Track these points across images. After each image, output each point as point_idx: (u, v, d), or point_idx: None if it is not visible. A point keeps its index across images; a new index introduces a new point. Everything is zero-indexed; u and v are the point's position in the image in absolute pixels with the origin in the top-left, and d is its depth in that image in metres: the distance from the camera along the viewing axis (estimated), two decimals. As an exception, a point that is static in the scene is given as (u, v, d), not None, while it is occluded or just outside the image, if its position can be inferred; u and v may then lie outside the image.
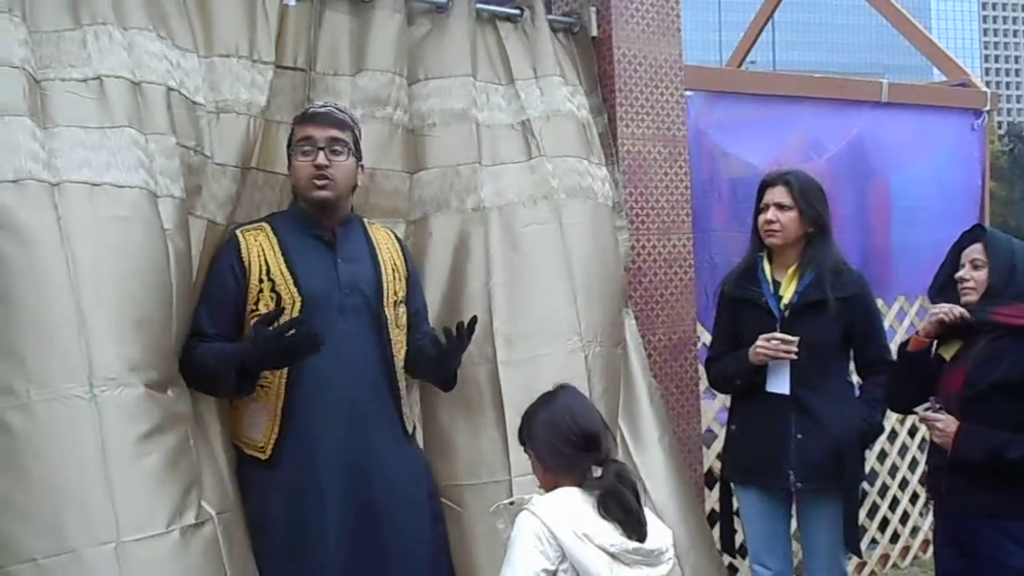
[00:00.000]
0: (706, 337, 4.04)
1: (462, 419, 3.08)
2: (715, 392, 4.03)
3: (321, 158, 2.60)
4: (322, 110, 2.68)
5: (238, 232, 2.66)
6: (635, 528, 2.12)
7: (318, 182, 2.61)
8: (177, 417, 2.45)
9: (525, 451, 2.32)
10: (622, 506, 2.12)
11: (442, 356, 2.68)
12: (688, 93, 3.99)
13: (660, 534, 2.19)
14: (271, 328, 2.42)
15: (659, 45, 3.76)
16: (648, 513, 2.20)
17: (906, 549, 5.09)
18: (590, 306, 3.27)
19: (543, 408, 2.28)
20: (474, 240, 3.19)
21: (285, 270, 2.60)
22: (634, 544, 2.10)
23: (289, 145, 2.70)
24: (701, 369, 3.79)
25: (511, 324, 3.13)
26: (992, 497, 2.75)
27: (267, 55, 2.91)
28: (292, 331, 2.43)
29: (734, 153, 4.64)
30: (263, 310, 2.56)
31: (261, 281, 2.59)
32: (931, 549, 3.12)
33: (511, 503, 2.21)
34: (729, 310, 3.33)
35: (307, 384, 2.57)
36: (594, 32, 3.67)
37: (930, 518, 4.25)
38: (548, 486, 2.23)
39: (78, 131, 2.42)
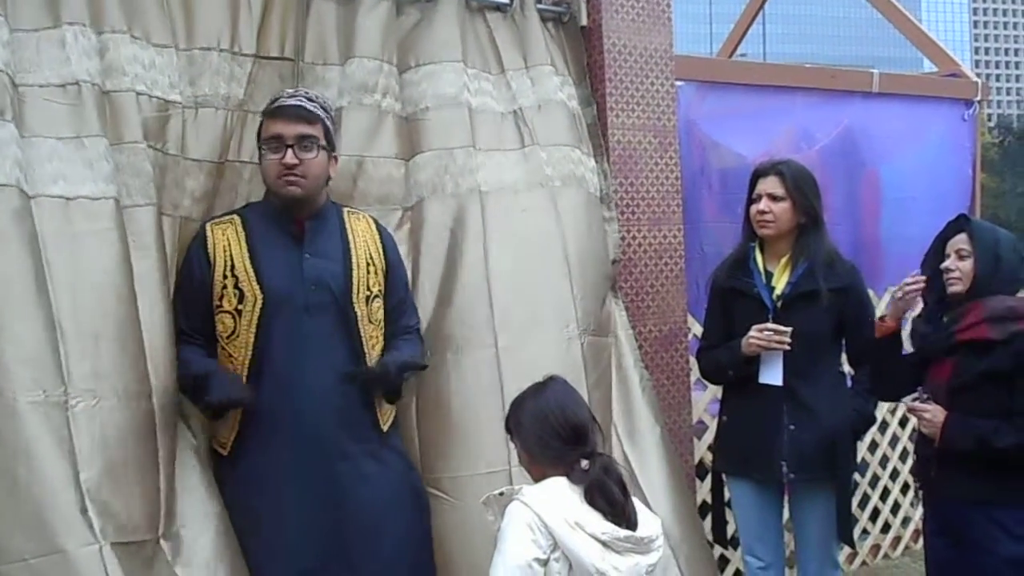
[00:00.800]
0: (696, 328, 4.03)
1: (463, 408, 3.03)
2: (706, 383, 4.03)
3: (289, 156, 2.55)
4: (290, 103, 2.61)
5: (207, 225, 2.64)
6: (621, 519, 2.13)
7: (288, 179, 2.57)
8: (162, 425, 2.48)
9: (511, 440, 2.33)
10: (607, 498, 2.13)
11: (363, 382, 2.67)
12: (679, 83, 3.97)
13: (650, 522, 2.20)
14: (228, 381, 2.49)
15: (649, 34, 3.74)
16: (637, 503, 2.21)
17: (897, 539, 5.10)
18: (585, 294, 3.27)
19: (532, 399, 2.29)
20: (470, 222, 3.15)
21: (249, 266, 2.56)
22: (625, 532, 2.11)
23: (259, 138, 2.66)
24: (692, 360, 3.78)
25: (510, 310, 3.10)
26: (981, 485, 2.76)
27: (248, 47, 2.89)
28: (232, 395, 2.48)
29: (724, 144, 4.63)
30: (227, 307, 2.55)
31: (225, 276, 2.56)
32: (922, 539, 3.12)
33: (501, 494, 2.21)
34: (721, 301, 3.32)
35: (269, 385, 2.55)
36: (584, 21, 3.65)
37: (921, 508, 4.26)
38: (536, 476, 2.23)
39: (55, 142, 2.42)
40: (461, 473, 2.97)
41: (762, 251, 3.25)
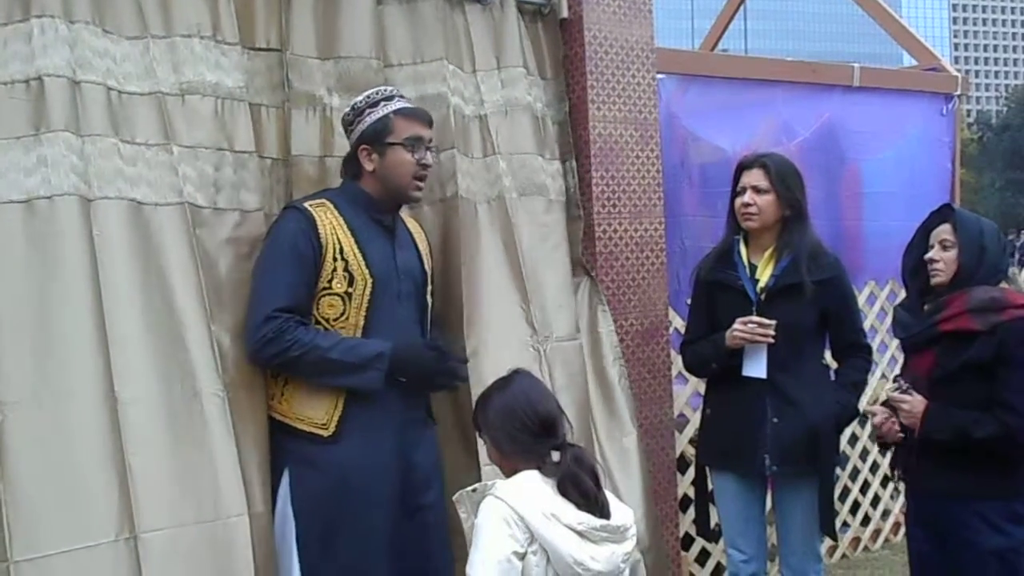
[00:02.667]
0: (678, 322, 4.03)
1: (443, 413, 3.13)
2: (687, 377, 4.03)
3: (429, 158, 2.72)
4: (421, 109, 2.78)
5: (308, 207, 2.64)
6: (594, 510, 2.13)
7: (420, 182, 2.72)
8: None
9: (480, 436, 2.33)
10: (580, 490, 2.13)
11: None
12: (660, 76, 3.96)
13: (622, 511, 2.21)
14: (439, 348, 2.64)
15: (630, 27, 3.73)
16: (608, 494, 2.21)
17: (877, 532, 5.12)
18: (543, 304, 3.36)
19: (498, 394, 2.28)
20: (451, 232, 3.22)
21: (356, 250, 2.63)
22: (601, 521, 2.12)
23: (384, 134, 2.69)
24: (673, 354, 3.78)
25: (475, 320, 3.18)
26: (961, 477, 2.77)
27: (231, 36, 2.87)
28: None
29: (705, 137, 4.63)
30: (336, 289, 2.61)
31: (335, 259, 2.61)
32: (902, 531, 3.13)
33: (473, 490, 2.20)
34: (705, 294, 3.32)
35: None
36: (564, 13, 3.63)
37: (901, 500, 4.27)
38: (507, 470, 2.22)
39: (14, 145, 2.41)
40: None
41: (746, 244, 3.25)
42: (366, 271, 2.62)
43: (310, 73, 3.02)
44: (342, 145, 2.90)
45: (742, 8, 7.21)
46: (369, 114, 2.70)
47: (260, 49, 2.96)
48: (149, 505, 2.40)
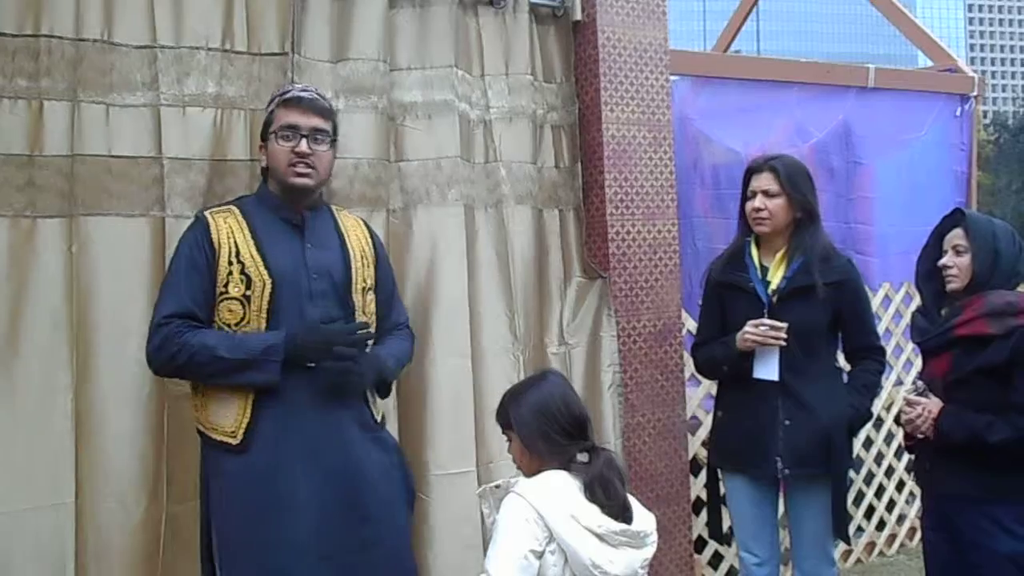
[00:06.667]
0: (690, 323, 4.02)
1: (438, 412, 3.20)
2: (700, 379, 4.01)
3: (304, 145, 2.59)
4: (305, 95, 2.65)
5: (206, 214, 2.62)
6: (619, 513, 2.12)
7: (299, 169, 2.60)
8: None
9: (504, 433, 2.30)
10: (608, 493, 2.12)
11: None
12: (673, 78, 3.96)
13: (644, 517, 2.19)
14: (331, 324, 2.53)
15: (644, 29, 3.72)
16: (632, 498, 2.20)
17: (892, 537, 5.09)
18: (528, 311, 3.46)
19: (532, 392, 2.26)
20: (452, 236, 3.25)
21: (255, 252, 2.56)
22: (621, 526, 2.11)
23: (267, 127, 2.66)
24: (686, 356, 3.77)
25: (458, 325, 3.25)
26: (976, 481, 2.75)
27: (241, 44, 2.94)
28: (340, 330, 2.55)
29: (717, 139, 4.62)
30: (233, 292, 2.53)
31: (230, 263, 2.54)
32: (918, 536, 3.10)
33: (497, 486, 2.20)
34: (716, 296, 3.30)
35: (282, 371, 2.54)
36: (578, 16, 3.64)
37: (916, 505, 4.25)
38: (531, 469, 2.21)
39: None
40: (433, 472, 3.18)
41: (758, 246, 3.23)
42: (264, 272, 2.54)
43: (320, 76, 3.06)
44: (342, 147, 2.94)
45: (755, 9, 7.20)
46: (269, 111, 2.69)
47: (273, 54, 3.00)
48: None
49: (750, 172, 3.23)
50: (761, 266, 3.20)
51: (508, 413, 2.27)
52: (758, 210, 3.15)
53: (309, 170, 2.61)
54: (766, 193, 3.14)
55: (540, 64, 3.62)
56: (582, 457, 2.18)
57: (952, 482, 2.80)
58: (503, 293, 3.39)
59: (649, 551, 2.18)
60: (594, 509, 2.10)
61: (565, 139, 3.68)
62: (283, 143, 2.60)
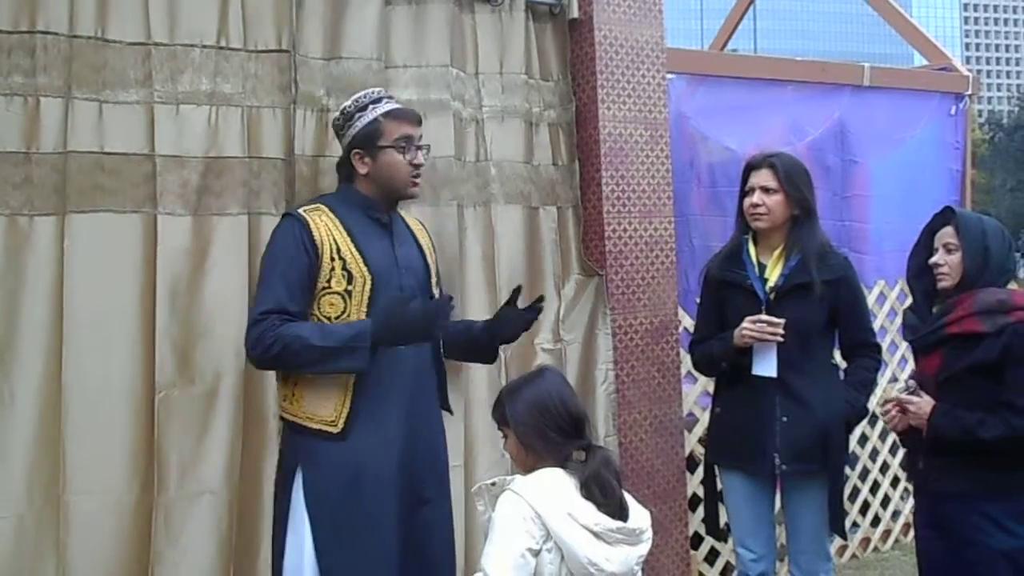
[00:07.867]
0: (687, 321, 4.03)
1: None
2: (696, 376, 4.03)
3: (420, 157, 2.74)
4: (409, 109, 2.80)
5: (302, 213, 2.67)
6: (615, 511, 2.13)
7: (416, 180, 2.74)
8: None
9: (500, 430, 2.30)
10: (604, 491, 2.12)
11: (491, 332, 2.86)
12: (669, 76, 3.97)
13: (640, 514, 2.19)
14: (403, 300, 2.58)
15: (641, 27, 3.74)
16: (627, 495, 2.20)
17: (887, 532, 5.11)
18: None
19: (529, 389, 2.25)
20: (446, 237, 3.26)
21: (353, 249, 2.65)
22: (617, 523, 2.11)
23: (375, 137, 2.70)
24: (683, 353, 3.78)
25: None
26: (968, 478, 2.76)
27: (236, 41, 2.95)
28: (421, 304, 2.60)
29: (714, 137, 4.63)
30: (335, 287, 2.62)
31: (332, 259, 2.63)
32: (912, 532, 3.12)
33: (492, 484, 2.19)
34: (714, 293, 3.32)
35: (380, 361, 2.59)
36: (575, 14, 3.65)
37: (911, 501, 4.26)
38: (527, 467, 2.21)
39: None
40: None
41: (755, 243, 3.25)
42: (364, 268, 2.63)
43: (312, 74, 3.07)
44: (338, 145, 2.95)
45: (751, 8, 7.20)
46: (359, 118, 2.72)
47: (271, 51, 3.01)
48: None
49: (749, 168, 3.24)
50: (759, 263, 3.21)
51: (505, 410, 2.27)
52: (756, 206, 3.16)
53: (420, 180, 2.77)
54: (764, 189, 3.16)
55: (536, 62, 3.62)
56: (579, 455, 2.18)
57: (945, 480, 2.81)
58: (488, 292, 3.42)
59: (645, 548, 2.18)
60: (590, 507, 2.10)
61: (562, 137, 3.69)
62: (399, 155, 2.70)
